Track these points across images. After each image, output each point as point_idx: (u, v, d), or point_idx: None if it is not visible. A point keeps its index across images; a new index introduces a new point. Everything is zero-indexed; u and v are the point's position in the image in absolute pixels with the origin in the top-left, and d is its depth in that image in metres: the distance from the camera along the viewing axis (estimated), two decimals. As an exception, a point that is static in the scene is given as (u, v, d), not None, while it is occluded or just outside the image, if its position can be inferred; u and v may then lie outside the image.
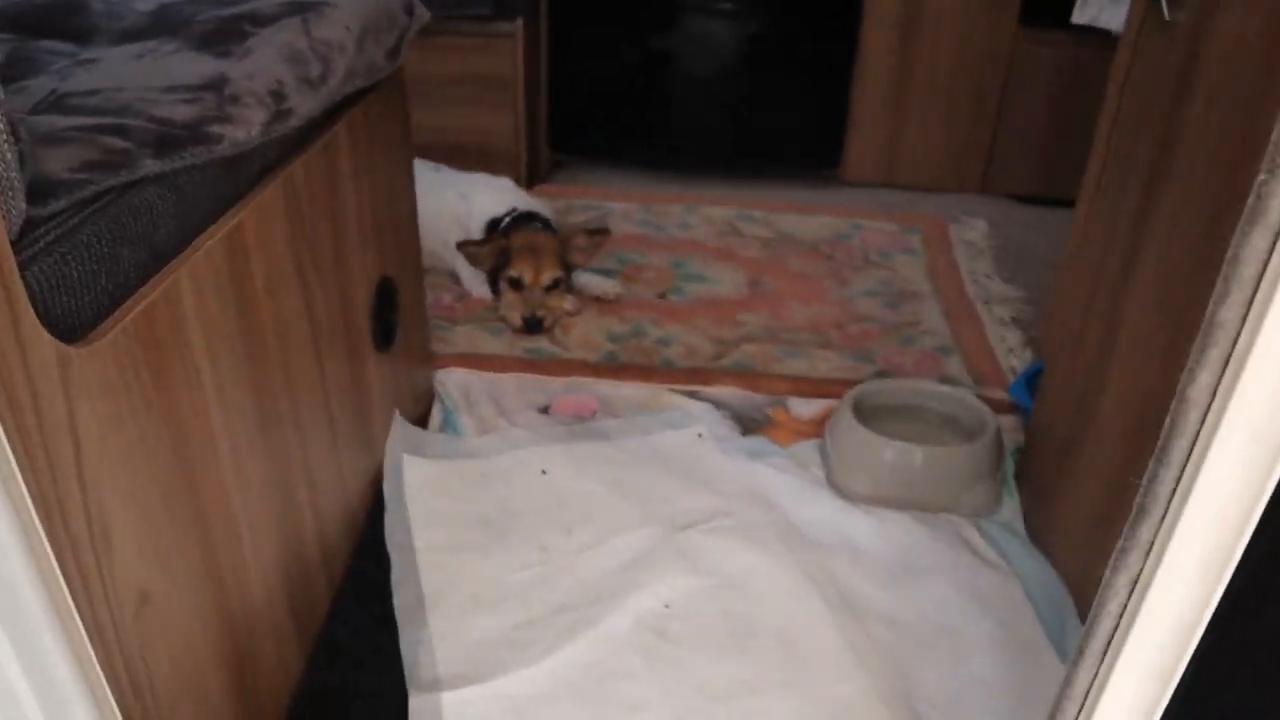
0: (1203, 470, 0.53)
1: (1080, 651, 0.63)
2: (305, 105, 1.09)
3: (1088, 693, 0.63)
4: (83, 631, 0.72)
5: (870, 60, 2.75)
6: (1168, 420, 0.54)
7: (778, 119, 2.91)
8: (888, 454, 1.56)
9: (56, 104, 0.93)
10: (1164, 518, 0.56)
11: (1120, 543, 0.59)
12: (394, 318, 1.53)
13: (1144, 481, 0.57)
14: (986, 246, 2.52)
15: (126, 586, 0.81)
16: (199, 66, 1.04)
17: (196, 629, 0.94)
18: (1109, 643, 0.61)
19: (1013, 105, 2.75)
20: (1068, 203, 1.65)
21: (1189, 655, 0.59)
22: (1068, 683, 0.65)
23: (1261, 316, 0.48)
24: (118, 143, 0.83)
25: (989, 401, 1.72)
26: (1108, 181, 1.37)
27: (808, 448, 1.70)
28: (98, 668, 0.75)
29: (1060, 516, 1.44)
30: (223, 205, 0.98)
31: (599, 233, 2.17)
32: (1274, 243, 0.47)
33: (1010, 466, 1.65)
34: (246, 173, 1.02)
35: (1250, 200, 0.47)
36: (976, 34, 2.67)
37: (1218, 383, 0.51)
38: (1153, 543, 0.57)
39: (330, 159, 1.23)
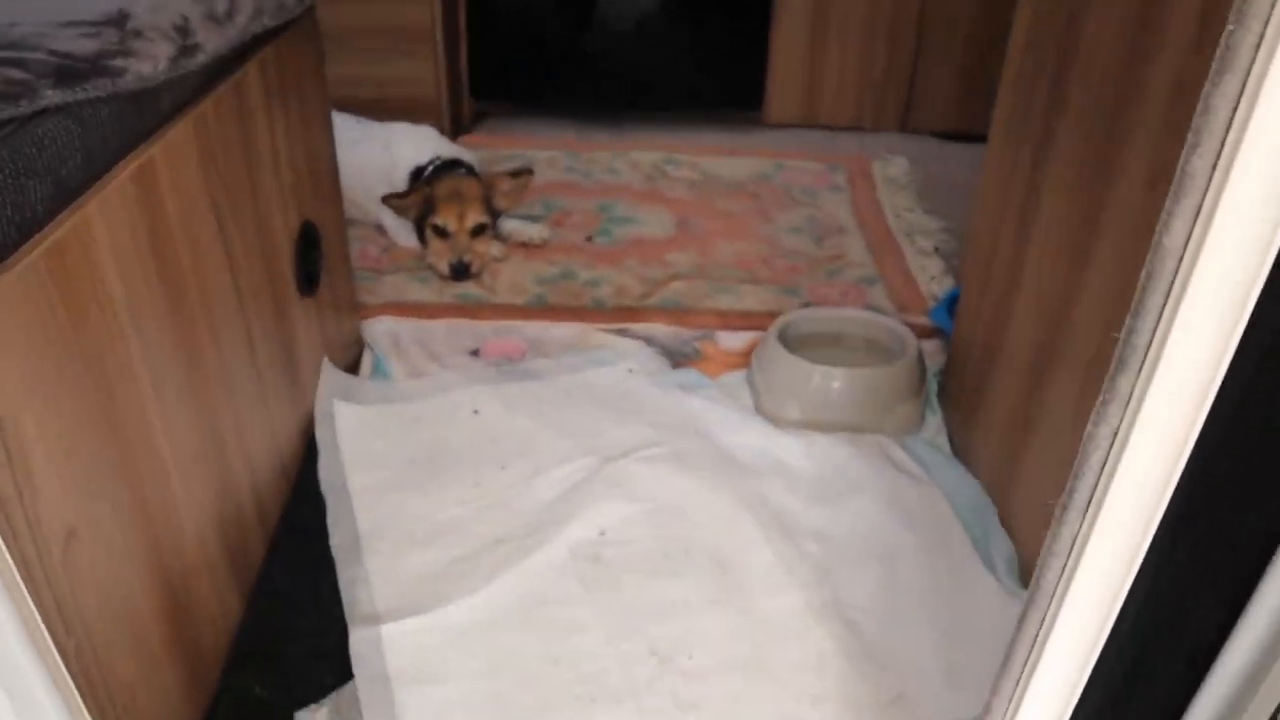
0: (1178, 317, 0.54)
1: (1064, 507, 0.65)
2: (212, 42, 1.08)
3: (1072, 546, 0.65)
4: (13, 567, 0.72)
5: (787, 2, 2.76)
6: (1144, 272, 0.55)
7: (700, 63, 2.92)
8: (813, 378, 1.60)
9: (-50, 42, 0.91)
10: (1141, 368, 0.57)
11: (1100, 396, 0.60)
12: (317, 263, 1.52)
13: (1121, 335, 0.58)
14: (908, 181, 2.57)
15: (52, 522, 0.81)
16: (98, 2, 1.01)
17: (127, 567, 0.94)
18: (1091, 495, 0.63)
19: (929, 43, 2.79)
20: (986, 138, 1.67)
21: (1168, 500, 0.61)
22: (1052, 538, 0.66)
23: (1231, 163, 0.49)
24: (16, 74, 0.82)
25: (912, 327, 1.77)
26: (1014, 108, 1.40)
27: (736, 378, 1.73)
28: (30, 603, 0.75)
29: (980, 430, 1.49)
30: (132, 142, 0.97)
31: (522, 174, 2.16)
32: (1242, 90, 0.48)
33: (933, 386, 1.70)
34: (155, 109, 1.01)
35: (1219, 52, 0.48)
36: (891, -29, 2.70)
37: (1190, 232, 0.52)
38: (1131, 393, 0.58)
39: (242, 99, 1.22)
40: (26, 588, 0.74)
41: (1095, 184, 1.10)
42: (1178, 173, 0.52)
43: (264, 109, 1.29)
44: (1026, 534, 1.33)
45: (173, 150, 1.02)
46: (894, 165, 2.65)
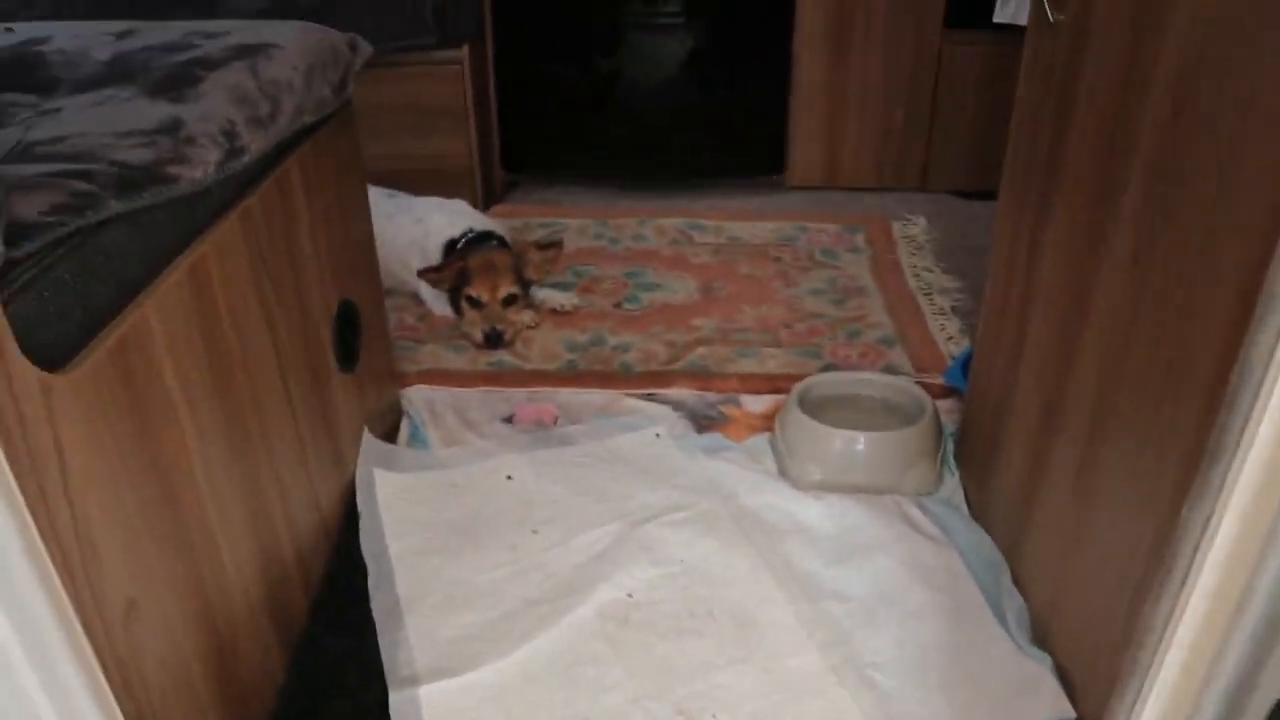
0: (1265, 419, 0.59)
1: (1160, 585, 0.69)
2: (257, 143, 1.17)
3: (1166, 624, 0.68)
4: (84, 640, 0.79)
5: (805, 70, 2.85)
6: (1234, 374, 0.60)
7: (722, 130, 3.01)
8: (835, 442, 1.65)
9: (24, 153, 1.00)
10: (1231, 461, 0.62)
11: (1194, 487, 0.65)
12: (356, 339, 1.61)
13: (1214, 430, 0.62)
14: (926, 241, 2.62)
15: (114, 596, 0.88)
16: (154, 111, 1.11)
17: (181, 635, 1.00)
18: (1186, 574, 0.67)
19: (945, 104, 2.86)
20: (1000, 195, 1.73)
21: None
22: (1149, 615, 0.70)
23: None
24: (83, 186, 0.91)
25: (929, 387, 1.81)
26: (1017, 172, 1.46)
27: (760, 441, 1.78)
28: (99, 674, 0.81)
29: (993, 490, 1.53)
30: (184, 241, 1.05)
31: (551, 246, 2.25)
32: None
33: (950, 446, 1.74)
34: (205, 209, 1.09)
35: None
36: (904, 39, 2.78)
37: (1276, 344, 0.57)
38: (1222, 483, 0.63)
39: (285, 193, 1.31)
40: (93, 655, 0.81)
41: (1086, 250, 1.16)
42: (1262, 293, 0.57)
43: (304, 198, 1.38)
44: (1037, 592, 1.36)
45: (222, 246, 1.11)
46: (913, 225, 2.71)
